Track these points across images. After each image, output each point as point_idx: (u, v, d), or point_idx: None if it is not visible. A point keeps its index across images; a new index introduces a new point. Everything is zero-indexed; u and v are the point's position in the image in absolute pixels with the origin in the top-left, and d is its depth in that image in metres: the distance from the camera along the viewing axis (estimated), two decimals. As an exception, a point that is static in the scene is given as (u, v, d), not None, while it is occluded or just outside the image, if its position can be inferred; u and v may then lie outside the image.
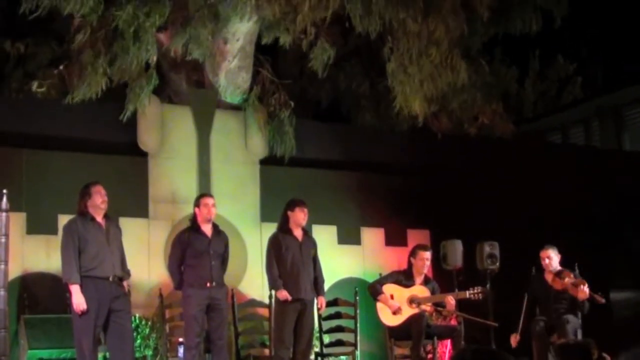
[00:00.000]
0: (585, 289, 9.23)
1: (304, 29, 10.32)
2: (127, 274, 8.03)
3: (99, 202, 7.83)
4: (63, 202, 9.80)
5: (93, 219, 7.82)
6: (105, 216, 7.95)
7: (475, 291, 9.27)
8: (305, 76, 12.46)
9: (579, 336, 9.27)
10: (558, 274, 9.49)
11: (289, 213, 9.01)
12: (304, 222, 9.06)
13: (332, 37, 11.22)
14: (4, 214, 5.78)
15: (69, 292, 7.68)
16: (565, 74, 19.55)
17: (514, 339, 9.40)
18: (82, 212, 7.85)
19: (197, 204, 8.65)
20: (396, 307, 9.25)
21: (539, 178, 12.41)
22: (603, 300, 9.30)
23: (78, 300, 7.59)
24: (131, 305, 8.26)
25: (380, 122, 12.97)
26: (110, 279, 7.75)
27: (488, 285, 9.95)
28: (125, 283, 7.98)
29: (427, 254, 9.45)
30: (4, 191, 5.78)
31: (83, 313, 7.58)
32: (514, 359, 1.97)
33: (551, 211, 12.03)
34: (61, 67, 11.39)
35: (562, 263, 9.64)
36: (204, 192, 9.00)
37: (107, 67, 9.91)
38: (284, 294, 8.71)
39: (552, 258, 9.56)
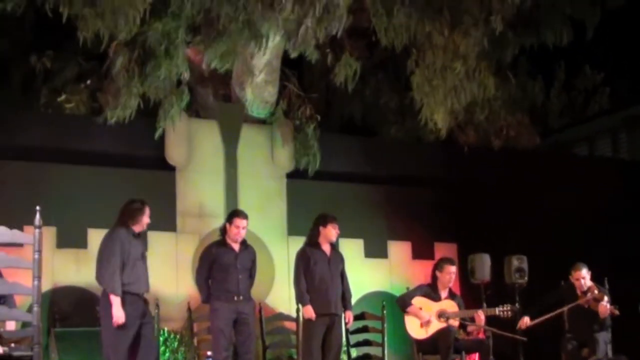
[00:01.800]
0: (605, 304, 9.20)
1: (328, 42, 10.36)
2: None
3: (145, 222, 8.02)
4: (92, 216, 9.93)
5: (134, 234, 7.95)
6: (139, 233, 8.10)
7: (505, 309, 9.22)
8: (332, 90, 12.49)
9: (609, 352, 9.23)
10: (585, 292, 9.47)
11: (321, 228, 8.99)
12: (335, 239, 9.07)
13: (358, 51, 11.25)
14: (37, 230, 5.82)
15: (109, 302, 7.71)
16: (592, 84, 19.42)
17: (524, 322, 9.35)
18: (128, 224, 7.95)
19: (229, 220, 8.66)
20: (426, 319, 9.23)
21: (566, 191, 12.36)
22: (617, 312, 9.29)
23: (118, 312, 7.66)
24: (158, 318, 8.31)
25: (406, 135, 12.98)
26: (143, 295, 7.90)
27: (517, 302, 9.89)
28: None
29: (454, 268, 9.43)
30: (37, 208, 5.82)
31: (119, 327, 7.65)
32: None
33: (580, 224, 11.98)
34: (88, 82, 11.48)
35: (592, 279, 9.60)
36: (240, 211, 8.92)
37: (141, 87, 9.99)
38: (309, 312, 8.71)
39: (586, 277, 9.51)
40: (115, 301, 7.68)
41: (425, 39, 10.70)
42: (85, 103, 11.05)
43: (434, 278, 9.44)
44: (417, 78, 10.95)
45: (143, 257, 8.02)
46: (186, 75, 10.35)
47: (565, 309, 9.40)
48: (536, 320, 9.36)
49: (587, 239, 11.53)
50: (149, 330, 7.98)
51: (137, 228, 7.98)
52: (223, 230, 8.69)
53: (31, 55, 11.69)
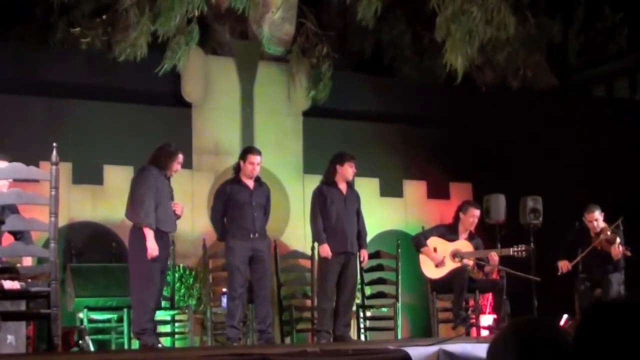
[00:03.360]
0: (618, 247, 9.19)
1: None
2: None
3: (174, 169, 8.24)
4: (108, 152, 9.94)
5: (166, 176, 8.20)
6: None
7: (519, 249, 9.24)
8: (348, 28, 12.34)
9: (623, 293, 9.22)
10: (598, 233, 9.45)
11: (338, 167, 8.92)
12: (351, 177, 9.02)
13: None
14: (53, 166, 5.79)
15: (140, 237, 7.91)
16: (612, 23, 19.12)
17: (565, 265, 9.39)
18: (160, 166, 8.16)
19: (243, 157, 8.61)
20: (439, 259, 9.23)
21: (583, 132, 12.25)
22: (629, 253, 9.29)
23: (153, 245, 7.89)
24: (174, 254, 8.51)
25: (422, 75, 12.83)
26: (170, 234, 8.18)
27: (531, 242, 9.87)
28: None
29: (478, 212, 9.46)
30: (54, 144, 5.78)
31: (152, 260, 7.86)
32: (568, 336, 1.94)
33: (596, 165, 11.89)
34: (104, 17, 11.35)
35: (605, 219, 9.56)
36: (253, 147, 8.93)
37: (151, 25, 9.88)
38: (326, 250, 8.69)
39: (599, 219, 9.49)
40: (150, 234, 7.89)
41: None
42: (101, 38, 10.93)
43: (457, 219, 9.44)
44: (440, 19, 10.78)
45: (171, 199, 8.21)
46: (196, 13, 10.18)
47: (590, 247, 9.41)
48: (574, 261, 9.41)
49: (603, 180, 11.45)
50: (166, 268, 8.28)
51: (167, 172, 8.17)
52: (237, 168, 8.65)
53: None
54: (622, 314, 1.89)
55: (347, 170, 8.91)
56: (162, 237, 8.05)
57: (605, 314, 1.92)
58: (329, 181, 8.96)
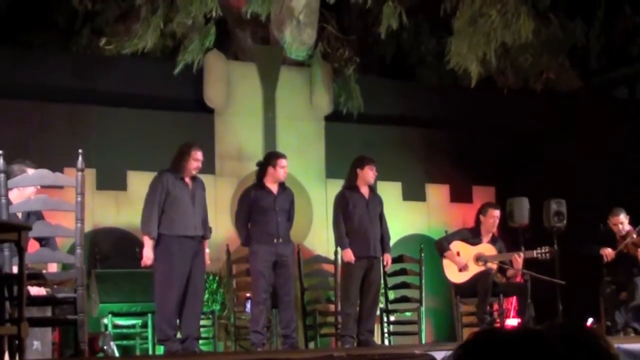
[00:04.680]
0: None
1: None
2: (209, 231, 8.29)
3: (192, 167, 8.08)
4: (132, 158, 9.98)
5: (182, 178, 8.05)
6: (193, 177, 8.18)
7: (543, 251, 9.19)
8: (370, 32, 12.33)
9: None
10: (624, 236, 9.39)
11: (359, 171, 8.93)
12: (372, 181, 9.01)
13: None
14: (79, 173, 5.81)
15: (156, 245, 7.94)
16: (633, 24, 18.99)
17: (609, 252, 9.32)
18: (175, 168, 8.09)
19: (273, 163, 8.56)
20: (463, 264, 9.20)
21: (606, 134, 12.17)
22: None
23: (147, 253, 7.90)
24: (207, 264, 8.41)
25: (445, 79, 12.80)
26: (193, 237, 7.98)
27: (555, 244, 9.81)
28: (206, 242, 8.21)
29: (497, 212, 9.38)
30: (80, 151, 5.80)
31: (167, 270, 7.84)
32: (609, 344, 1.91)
33: (619, 168, 11.82)
34: (127, 23, 11.41)
35: (631, 222, 9.50)
36: (279, 152, 8.93)
37: (161, 22, 9.90)
38: (349, 255, 8.69)
39: (624, 222, 9.43)
40: (147, 242, 7.91)
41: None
42: (125, 43, 10.97)
43: (478, 222, 9.40)
44: (457, 22, 10.75)
45: (196, 202, 8.09)
46: (213, 14, 10.19)
47: (617, 250, 9.36)
48: (618, 248, 9.37)
49: (628, 183, 11.38)
50: (198, 275, 8.06)
51: (184, 172, 8.06)
52: (262, 173, 8.63)
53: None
54: (502, 347, 1.85)
55: (368, 174, 8.91)
56: (182, 243, 7.95)
57: (486, 343, 1.87)
58: (351, 185, 8.96)
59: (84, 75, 10.15)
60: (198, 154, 8.10)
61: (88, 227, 9.38)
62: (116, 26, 11.25)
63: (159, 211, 7.92)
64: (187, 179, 8.11)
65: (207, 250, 8.24)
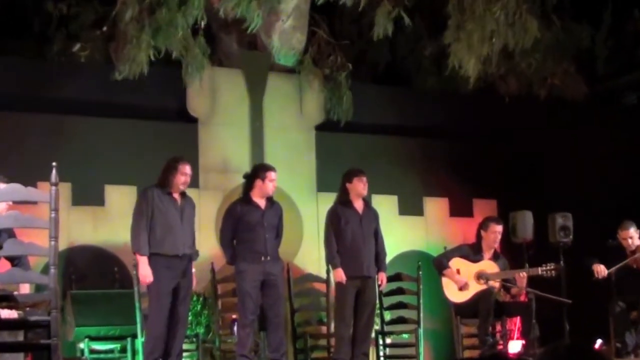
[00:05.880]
0: None
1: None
2: (196, 254, 8.30)
3: (180, 182, 8.12)
4: (110, 171, 9.96)
5: (170, 193, 8.09)
6: (182, 193, 8.23)
7: (548, 267, 9.17)
8: (363, 36, 12.34)
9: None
10: (633, 251, 9.39)
11: (348, 185, 8.94)
12: (364, 192, 9.00)
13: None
14: (53, 187, 5.77)
15: (136, 262, 8.02)
16: (641, 28, 19.05)
17: (601, 270, 9.26)
18: (162, 184, 8.12)
19: (260, 176, 8.55)
20: (463, 282, 9.18)
21: (614, 143, 12.20)
22: None
23: (143, 271, 7.93)
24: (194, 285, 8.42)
25: (443, 85, 12.81)
26: (180, 256, 8.02)
27: (561, 261, 9.80)
28: (192, 264, 8.24)
29: (499, 227, 9.37)
30: (54, 164, 5.77)
31: (155, 291, 7.89)
32: None
33: (629, 179, 11.83)
34: (104, 29, 11.38)
35: (641, 237, 9.51)
36: (268, 164, 8.93)
37: (152, 40, 9.89)
38: (339, 275, 8.68)
39: (634, 237, 9.43)
40: (141, 260, 7.93)
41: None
42: (102, 51, 10.96)
43: (479, 238, 9.39)
44: (453, 22, 10.77)
45: (185, 218, 8.13)
46: (202, 24, 10.21)
47: (632, 260, 9.34)
48: (613, 268, 9.30)
49: (637, 195, 11.38)
50: (184, 295, 8.08)
51: (171, 187, 8.10)
52: (249, 187, 8.61)
53: (47, 2, 11.60)
54: None
55: (358, 186, 8.91)
56: (170, 262, 7.98)
57: None
58: (343, 200, 8.95)
59: (58, 83, 10.12)
60: (186, 168, 8.13)
61: (63, 245, 9.36)
62: (92, 31, 11.21)
63: (148, 228, 7.93)
64: (175, 195, 8.15)
65: (193, 270, 8.25)
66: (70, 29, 11.28)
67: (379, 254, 8.97)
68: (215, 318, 9.33)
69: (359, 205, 8.95)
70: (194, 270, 8.26)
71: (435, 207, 11.72)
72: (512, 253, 10.17)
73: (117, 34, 10.51)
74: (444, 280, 9.31)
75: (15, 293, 6.50)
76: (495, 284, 9.19)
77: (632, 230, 9.48)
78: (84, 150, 10.00)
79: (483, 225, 9.43)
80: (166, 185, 8.09)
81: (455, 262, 9.31)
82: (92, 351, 8.81)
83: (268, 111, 10.95)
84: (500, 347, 9.31)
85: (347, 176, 9.00)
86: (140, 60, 9.87)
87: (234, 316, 9.04)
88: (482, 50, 10.57)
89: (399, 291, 9.86)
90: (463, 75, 10.97)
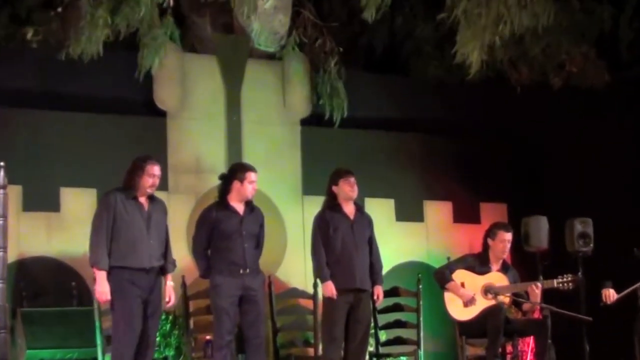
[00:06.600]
0: None
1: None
2: (171, 264, 8.26)
3: (147, 184, 8.07)
4: (66, 172, 9.93)
5: (135, 197, 8.04)
6: (150, 196, 8.17)
7: (565, 280, 9.19)
8: (355, 17, 12.34)
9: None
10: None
11: (334, 188, 8.99)
12: (354, 195, 9.02)
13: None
14: (1, 191, 5.78)
15: (94, 277, 7.94)
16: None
17: (610, 295, 9.22)
18: (126, 187, 8.07)
19: (239, 177, 8.54)
20: (469, 296, 9.18)
21: (640, 139, 12.24)
22: None
23: (101, 288, 7.85)
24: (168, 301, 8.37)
25: (446, 74, 12.80)
26: (147, 269, 7.96)
27: (580, 272, 9.83)
28: (168, 276, 8.20)
29: (508, 235, 9.37)
30: (2, 164, 5.76)
31: (121, 310, 7.83)
32: None
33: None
34: (59, 10, 11.35)
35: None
36: (247, 164, 8.90)
37: (110, 17, 9.87)
38: (329, 289, 8.70)
39: None
40: (99, 275, 7.84)
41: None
42: (55, 34, 10.92)
43: (485, 247, 9.41)
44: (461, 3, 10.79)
45: (152, 226, 8.07)
46: (171, 2, 10.22)
47: None
48: (624, 292, 9.28)
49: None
50: (151, 314, 8.03)
51: (138, 192, 8.05)
52: (226, 190, 8.61)
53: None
54: None
55: (345, 189, 8.95)
56: (134, 277, 7.91)
57: None
58: (331, 205, 8.98)
59: (4, 71, 10.08)
60: (154, 169, 8.09)
61: (12, 257, 9.34)
62: (45, 13, 11.17)
63: (109, 238, 7.90)
64: (142, 199, 8.10)
65: (170, 283, 8.22)
66: (18, 10, 11.22)
67: (374, 265, 9.00)
68: (187, 339, 9.34)
69: (349, 209, 8.97)
70: (170, 283, 8.22)
71: (437, 212, 11.79)
72: (524, 264, 10.20)
73: (71, 12, 10.48)
74: (447, 295, 9.31)
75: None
76: (505, 299, 9.21)
77: None
78: (36, 148, 9.99)
79: (490, 233, 9.44)
80: (131, 189, 8.04)
81: (460, 275, 9.31)
82: (46, 377, 8.80)
83: (247, 103, 10.98)
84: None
85: (332, 178, 9.04)
86: (97, 38, 9.84)
87: (208, 337, 9.08)
88: (486, 37, 10.57)
89: (397, 308, 9.88)
90: (467, 63, 10.99)
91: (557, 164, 11.74)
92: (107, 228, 7.90)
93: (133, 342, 7.85)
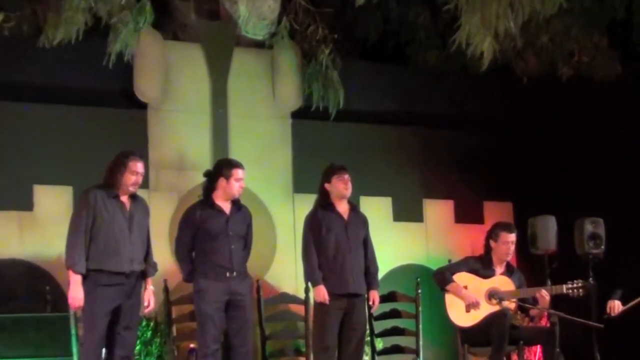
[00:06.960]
0: None
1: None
2: (152, 268, 8.23)
3: (130, 182, 8.03)
4: (40, 169, 9.92)
5: (117, 196, 8.01)
6: (132, 195, 8.14)
7: (575, 285, 9.17)
8: (350, 3, 12.34)
9: None
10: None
11: (326, 185, 8.99)
12: (347, 193, 9.01)
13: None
14: (-33, 188, 5.75)
15: (69, 281, 7.85)
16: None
17: (615, 307, 9.21)
18: (107, 184, 8.04)
19: (225, 174, 8.54)
20: (472, 298, 9.16)
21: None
22: None
23: (74, 293, 7.79)
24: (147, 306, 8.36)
25: (448, 63, 12.80)
26: (127, 273, 7.93)
27: (591, 277, 9.83)
28: (149, 280, 8.19)
29: (512, 237, 9.35)
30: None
31: (92, 313, 7.79)
32: None
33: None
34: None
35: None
36: (233, 160, 8.86)
37: (92, 1, 9.86)
38: (322, 294, 8.70)
39: None
40: (74, 279, 7.79)
41: None
42: (30, 21, 10.92)
43: (487, 249, 9.39)
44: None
45: (134, 227, 8.04)
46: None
47: None
48: (630, 304, 9.26)
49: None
50: (129, 321, 8.02)
51: (119, 191, 8.01)
52: (211, 187, 8.60)
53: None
54: None
55: (338, 186, 8.95)
56: (112, 280, 7.87)
57: None
58: (323, 204, 8.97)
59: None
60: (138, 166, 8.06)
61: (-18, 260, 9.38)
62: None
63: (87, 239, 7.87)
64: (124, 198, 8.07)
65: (150, 288, 8.20)
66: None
67: (369, 268, 8.99)
68: (169, 347, 9.32)
69: (343, 209, 8.96)
70: (151, 287, 8.20)
71: (438, 211, 11.83)
72: (531, 267, 10.22)
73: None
74: (448, 298, 9.28)
75: None
76: (511, 304, 9.19)
77: None
78: (7, 143, 9.98)
79: (492, 235, 9.41)
80: (112, 187, 8.01)
81: (462, 278, 9.29)
82: (18, 388, 8.80)
83: (233, 95, 10.98)
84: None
85: (325, 175, 9.04)
86: (75, 22, 9.82)
87: (192, 345, 9.09)
88: (500, 25, 10.56)
89: (394, 314, 9.88)
90: (475, 54, 10.96)
91: (566, 160, 11.73)
92: (85, 228, 7.86)
93: (99, 348, 7.82)
